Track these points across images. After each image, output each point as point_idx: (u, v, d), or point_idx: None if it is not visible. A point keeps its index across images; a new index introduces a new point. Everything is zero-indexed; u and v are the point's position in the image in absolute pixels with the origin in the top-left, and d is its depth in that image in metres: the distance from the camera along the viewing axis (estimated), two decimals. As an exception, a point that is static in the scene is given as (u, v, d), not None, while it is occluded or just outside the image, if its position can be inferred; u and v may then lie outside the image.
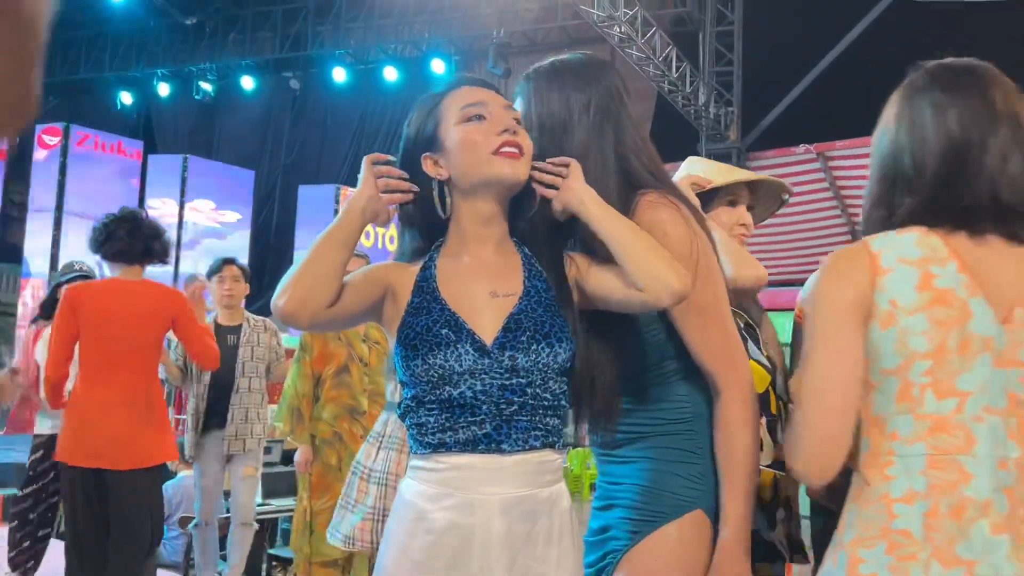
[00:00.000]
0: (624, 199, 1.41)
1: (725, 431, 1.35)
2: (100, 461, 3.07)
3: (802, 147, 9.14)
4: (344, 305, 1.32)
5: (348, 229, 1.33)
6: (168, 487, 5.06)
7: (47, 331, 3.63)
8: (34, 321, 4.16)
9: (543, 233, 1.41)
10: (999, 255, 1.18)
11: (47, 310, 3.92)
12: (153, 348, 3.24)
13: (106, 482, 3.09)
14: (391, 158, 1.40)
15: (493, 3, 9.83)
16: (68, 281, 3.77)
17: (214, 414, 4.21)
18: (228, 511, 4.54)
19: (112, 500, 3.10)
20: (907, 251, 1.17)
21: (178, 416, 7.66)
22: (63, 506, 3.27)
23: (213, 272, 4.36)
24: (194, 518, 4.42)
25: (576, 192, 1.35)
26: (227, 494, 4.48)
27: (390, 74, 10.88)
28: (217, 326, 4.31)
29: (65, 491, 3.18)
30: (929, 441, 1.13)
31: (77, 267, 4.16)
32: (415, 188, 1.38)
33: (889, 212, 1.23)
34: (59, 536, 3.92)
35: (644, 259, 1.29)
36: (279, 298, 1.28)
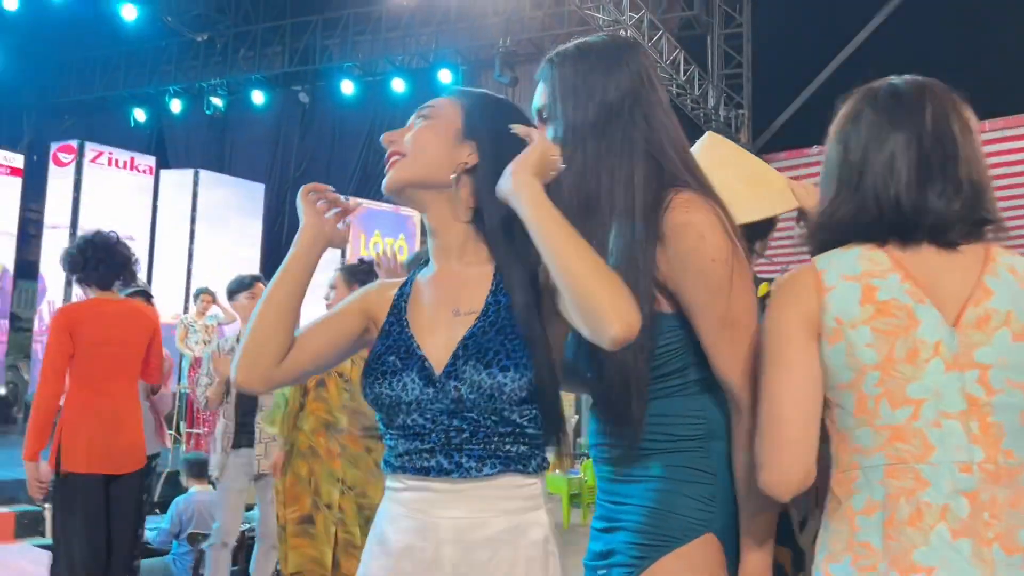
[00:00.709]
0: (655, 196, 1.29)
1: (744, 451, 1.26)
2: (113, 466, 3.31)
3: (816, 148, 9.04)
4: (305, 353, 1.27)
5: (299, 267, 1.27)
6: (179, 502, 5.04)
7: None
8: None
9: (507, 233, 1.26)
10: (940, 262, 1.20)
11: None
12: (139, 360, 3.50)
13: (110, 486, 3.31)
14: (328, 187, 1.37)
15: (499, 12, 9.83)
16: (127, 297, 3.76)
17: (243, 433, 4.19)
18: (244, 524, 4.53)
19: (118, 502, 3.34)
20: (850, 267, 1.20)
21: (190, 430, 7.68)
22: (55, 516, 3.35)
23: (243, 287, 4.35)
24: (205, 535, 4.38)
25: (509, 181, 1.17)
26: (248, 507, 4.47)
27: (398, 85, 10.91)
28: None
29: (69, 500, 3.26)
30: (888, 451, 1.15)
31: (132, 285, 4.02)
32: (350, 203, 1.35)
33: (824, 231, 1.27)
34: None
35: (583, 286, 1.10)
36: (233, 370, 1.25)
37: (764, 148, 9.82)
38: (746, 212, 1.61)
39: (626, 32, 8.02)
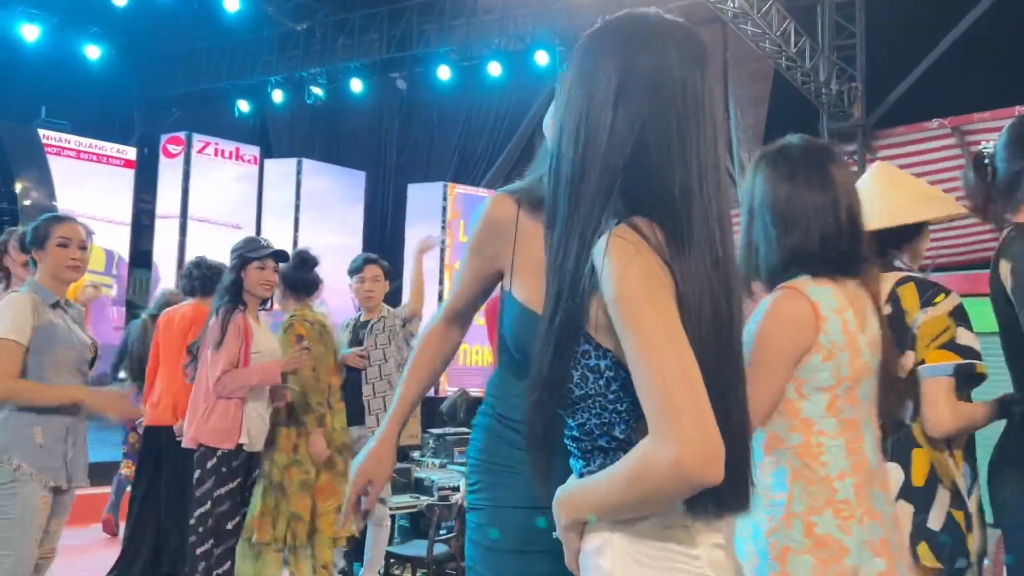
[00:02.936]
0: None
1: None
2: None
3: (935, 121, 8.44)
4: None
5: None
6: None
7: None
8: (234, 307, 3.76)
9: None
10: (851, 290, 1.69)
11: (235, 296, 3.75)
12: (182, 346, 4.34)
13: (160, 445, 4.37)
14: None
15: (597, -11, 9.59)
16: (261, 258, 3.73)
17: (351, 413, 4.25)
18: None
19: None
20: (831, 302, 1.64)
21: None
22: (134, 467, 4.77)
23: (354, 272, 4.59)
24: None
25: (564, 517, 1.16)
26: None
27: (494, 69, 10.82)
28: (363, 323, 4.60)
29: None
30: (846, 436, 1.64)
31: (264, 242, 3.90)
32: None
33: (775, 261, 1.71)
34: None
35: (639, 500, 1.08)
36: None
37: (879, 123, 9.25)
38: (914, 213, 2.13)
39: (733, 3, 7.66)
